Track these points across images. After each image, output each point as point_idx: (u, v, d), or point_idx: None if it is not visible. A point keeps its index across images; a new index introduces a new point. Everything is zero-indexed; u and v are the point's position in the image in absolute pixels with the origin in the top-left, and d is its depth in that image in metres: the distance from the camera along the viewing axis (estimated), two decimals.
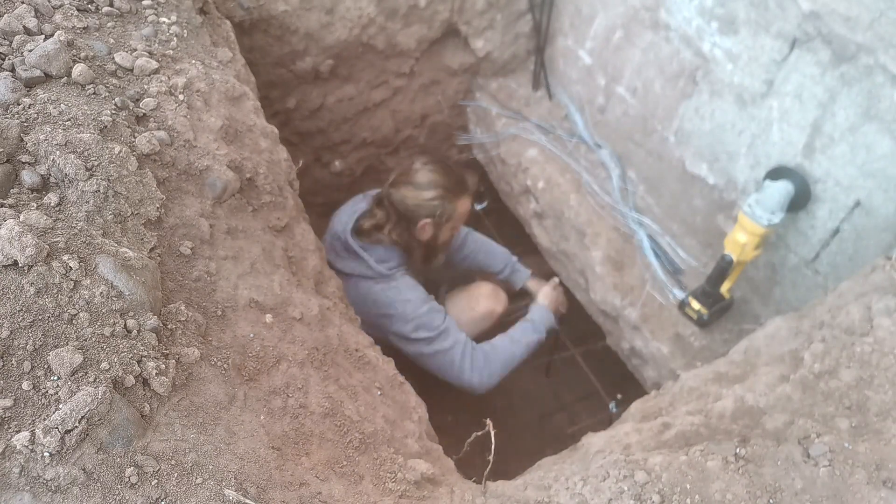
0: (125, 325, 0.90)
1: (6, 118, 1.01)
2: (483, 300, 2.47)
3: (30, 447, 0.78)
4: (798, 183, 1.68)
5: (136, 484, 0.83)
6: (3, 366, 0.81)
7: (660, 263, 2.18)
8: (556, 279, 2.56)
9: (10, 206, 0.93)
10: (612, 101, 2.29)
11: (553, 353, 2.78)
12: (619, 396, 2.48)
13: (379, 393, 1.39)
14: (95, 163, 1.02)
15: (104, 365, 0.85)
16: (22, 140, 1.00)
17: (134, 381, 0.88)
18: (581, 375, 2.63)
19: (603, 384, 2.57)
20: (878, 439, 0.99)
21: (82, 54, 1.18)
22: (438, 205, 2.07)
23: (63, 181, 0.99)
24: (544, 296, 2.46)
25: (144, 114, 1.19)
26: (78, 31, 1.25)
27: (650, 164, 2.21)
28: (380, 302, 2.09)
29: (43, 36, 1.18)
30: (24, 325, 0.82)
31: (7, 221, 0.86)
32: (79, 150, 1.01)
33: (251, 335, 1.14)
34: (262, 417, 1.03)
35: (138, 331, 0.91)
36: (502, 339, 2.24)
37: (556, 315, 2.45)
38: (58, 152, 0.99)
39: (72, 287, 0.86)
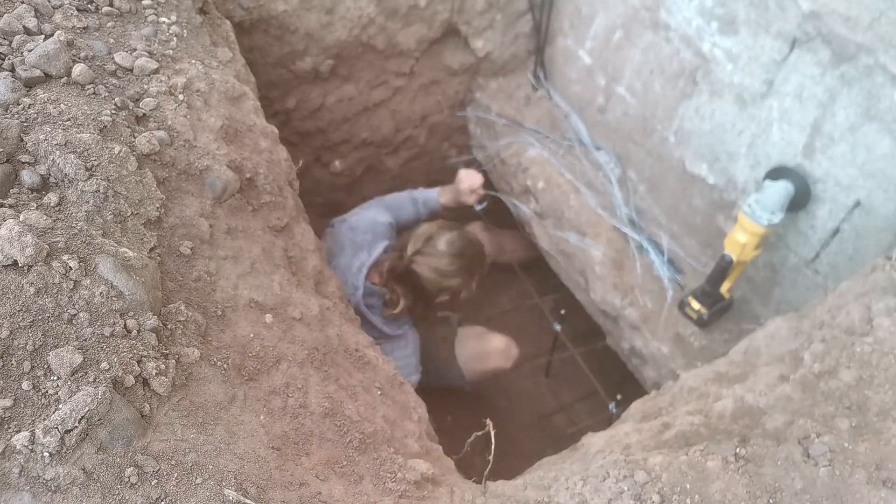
0: (125, 325, 0.90)
1: (6, 118, 1.01)
2: (494, 357, 2.41)
3: (30, 447, 0.78)
4: (798, 183, 1.68)
5: (136, 484, 0.83)
6: (3, 366, 0.81)
7: (659, 263, 2.18)
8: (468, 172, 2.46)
9: (10, 206, 0.93)
10: (612, 101, 2.29)
11: (553, 353, 2.78)
12: (618, 397, 2.48)
13: (379, 393, 1.39)
14: (95, 163, 1.02)
15: (104, 365, 0.85)
16: (22, 140, 1.00)
17: (134, 381, 0.88)
18: (581, 375, 2.63)
19: (603, 384, 2.57)
20: (878, 439, 0.99)
21: (82, 54, 1.18)
22: (462, 284, 2.10)
23: (63, 181, 0.99)
24: (460, 185, 2.40)
25: (144, 114, 1.19)
26: (78, 31, 1.25)
27: (650, 164, 2.21)
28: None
29: (43, 36, 1.18)
30: (24, 325, 0.82)
31: (7, 221, 0.86)
32: (79, 150, 1.01)
33: (251, 335, 1.14)
34: (261, 417, 1.03)
35: (138, 331, 0.91)
36: None
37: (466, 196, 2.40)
38: (58, 152, 0.99)
39: (72, 287, 0.86)
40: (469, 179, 2.43)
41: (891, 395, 1.04)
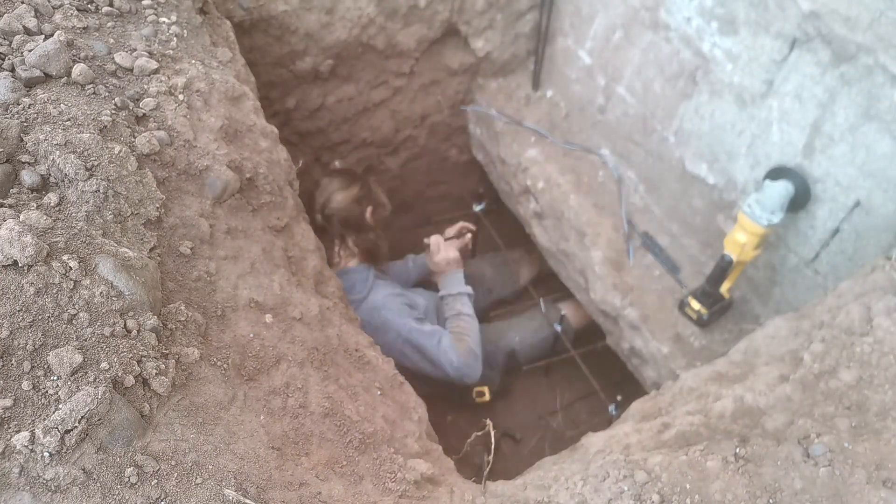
0: (125, 325, 0.90)
1: (6, 118, 1.01)
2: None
3: (30, 447, 0.78)
4: (798, 183, 1.68)
5: (135, 484, 0.83)
6: (3, 366, 0.81)
7: (659, 263, 2.18)
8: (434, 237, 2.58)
9: (10, 206, 0.93)
10: (612, 101, 2.29)
11: (553, 353, 2.78)
12: (618, 398, 2.48)
13: (379, 393, 1.39)
14: (95, 163, 1.02)
15: (104, 365, 0.85)
16: (22, 140, 1.00)
17: (134, 381, 0.88)
18: (581, 376, 2.64)
19: (603, 384, 2.57)
20: (878, 439, 0.99)
21: (82, 54, 1.18)
22: (367, 192, 2.32)
23: (63, 181, 0.99)
24: (432, 258, 2.52)
25: (144, 114, 1.19)
26: (78, 31, 1.25)
27: (650, 164, 2.21)
28: (372, 322, 2.19)
29: (43, 36, 1.18)
30: (24, 325, 0.82)
31: (7, 221, 0.86)
32: (79, 150, 1.01)
33: (251, 335, 1.14)
34: (261, 417, 1.03)
35: (138, 331, 0.91)
36: (460, 320, 2.36)
37: (461, 257, 2.54)
38: (57, 152, 0.99)
39: (71, 287, 0.86)
40: (440, 252, 2.52)
41: (891, 395, 1.04)
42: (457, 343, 2.24)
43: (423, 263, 2.65)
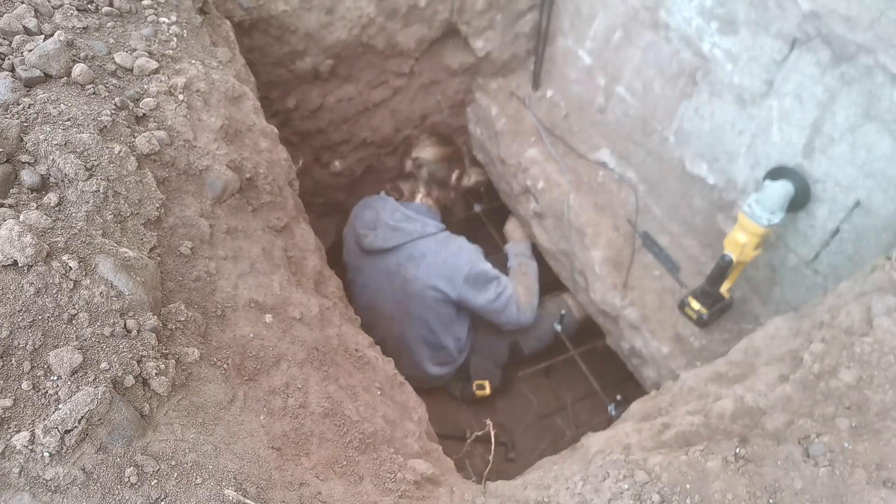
0: (125, 325, 0.90)
1: (6, 118, 1.01)
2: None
3: (29, 447, 0.78)
4: (798, 183, 1.68)
5: (135, 484, 0.83)
6: (3, 366, 0.81)
7: (659, 263, 2.18)
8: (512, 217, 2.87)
9: (10, 206, 0.93)
10: (612, 101, 2.29)
11: (553, 353, 2.78)
12: (618, 398, 2.48)
13: (379, 393, 1.39)
14: (95, 163, 1.02)
15: (104, 365, 0.85)
16: (22, 140, 1.00)
17: (134, 381, 0.88)
18: (581, 376, 2.64)
19: (603, 384, 2.57)
20: (878, 439, 0.99)
21: (82, 54, 1.18)
22: (459, 157, 2.57)
23: (63, 181, 0.99)
24: (514, 232, 2.82)
25: (144, 114, 1.19)
26: (78, 31, 1.25)
27: (650, 164, 2.21)
28: (446, 250, 2.37)
29: (43, 36, 1.18)
30: (24, 325, 0.82)
31: (7, 221, 0.86)
32: (78, 150, 1.01)
33: (251, 335, 1.14)
34: (261, 417, 1.03)
35: (138, 331, 0.91)
36: (523, 279, 2.60)
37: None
38: (57, 152, 0.99)
39: (71, 287, 0.86)
40: (519, 230, 2.84)
41: (891, 395, 1.04)
42: (521, 295, 2.48)
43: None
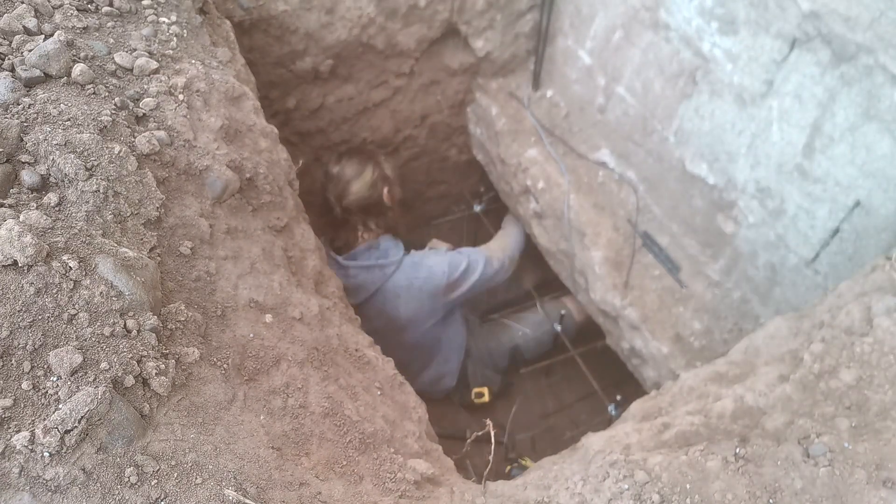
0: (125, 325, 0.90)
1: (6, 118, 1.01)
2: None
3: (29, 447, 0.78)
4: None
5: (135, 484, 0.83)
6: (3, 366, 0.81)
7: (659, 263, 2.18)
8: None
9: (10, 206, 0.93)
10: (612, 101, 2.29)
11: (553, 353, 2.78)
12: (618, 398, 2.48)
13: (379, 393, 1.39)
14: (95, 163, 1.02)
15: (104, 365, 0.85)
16: (22, 140, 1.00)
17: (134, 381, 0.88)
18: (581, 376, 2.64)
19: (603, 384, 2.57)
20: (878, 439, 0.99)
21: (82, 54, 1.18)
22: (379, 173, 2.33)
23: (63, 181, 0.99)
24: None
25: (144, 114, 1.19)
26: (78, 31, 1.25)
27: (650, 164, 2.21)
28: (417, 279, 2.29)
29: (43, 36, 1.18)
30: (24, 325, 0.82)
31: (7, 221, 0.86)
32: (78, 150, 1.01)
33: (251, 335, 1.14)
34: (261, 417, 1.03)
35: (138, 331, 0.91)
36: (500, 236, 2.63)
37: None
38: (57, 152, 0.99)
39: (71, 287, 0.86)
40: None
41: (891, 395, 1.04)
42: (493, 251, 2.48)
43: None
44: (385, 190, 2.33)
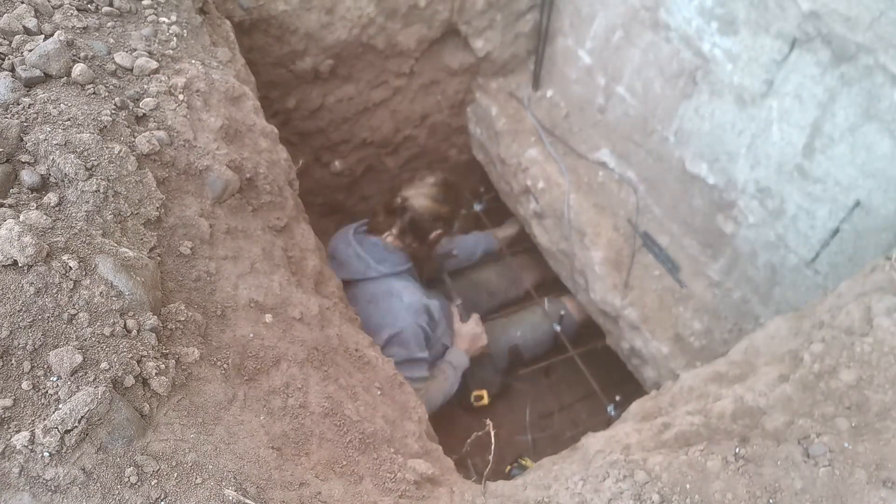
0: (125, 325, 0.90)
1: (6, 118, 1.01)
2: (462, 339, 2.53)
3: (29, 447, 0.78)
4: None
5: (135, 484, 0.83)
6: (3, 366, 0.81)
7: (659, 263, 2.18)
8: (475, 315, 2.60)
9: (10, 206, 0.93)
10: (612, 101, 2.29)
11: (553, 354, 2.78)
12: (617, 398, 2.48)
13: (379, 393, 1.39)
14: (95, 163, 1.02)
15: (104, 365, 0.85)
16: (22, 140, 1.00)
17: (134, 381, 0.88)
18: (581, 376, 2.64)
19: (602, 384, 2.57)
20: (878, 439, 0.99)
21: (82, 54, 1.18)
22: (452, 213, 2.31)
23: (63, 181, 0.99)
24: (462, 339, 2.49)
25: (144, 114, 1.19)
26: (78, 31, 1.25)
27: (650, 164, 2.21)
28: (384, 306, 2.18)
29: (43, 36, 1.18)
30: (24, 325, 0.82)
31: (7, 221, 0.86)
32: (78, 150, 1.01)
33: (251, 335, 1.14)
34: (261, 417, 1.03)
35: (138, 331, 0.91)
36: (437, 380, 2.30)
37: (472, 353, 2.50)
38: (57, 152, 0.99)
39: (71, 287, 0.86)
40: (472, 341, 2.52)
41: (891, 395, 1.04)
42: (429, 390, 2.22)
43: (490, 240, 2.94)
44: (437, 232, 2.30)
